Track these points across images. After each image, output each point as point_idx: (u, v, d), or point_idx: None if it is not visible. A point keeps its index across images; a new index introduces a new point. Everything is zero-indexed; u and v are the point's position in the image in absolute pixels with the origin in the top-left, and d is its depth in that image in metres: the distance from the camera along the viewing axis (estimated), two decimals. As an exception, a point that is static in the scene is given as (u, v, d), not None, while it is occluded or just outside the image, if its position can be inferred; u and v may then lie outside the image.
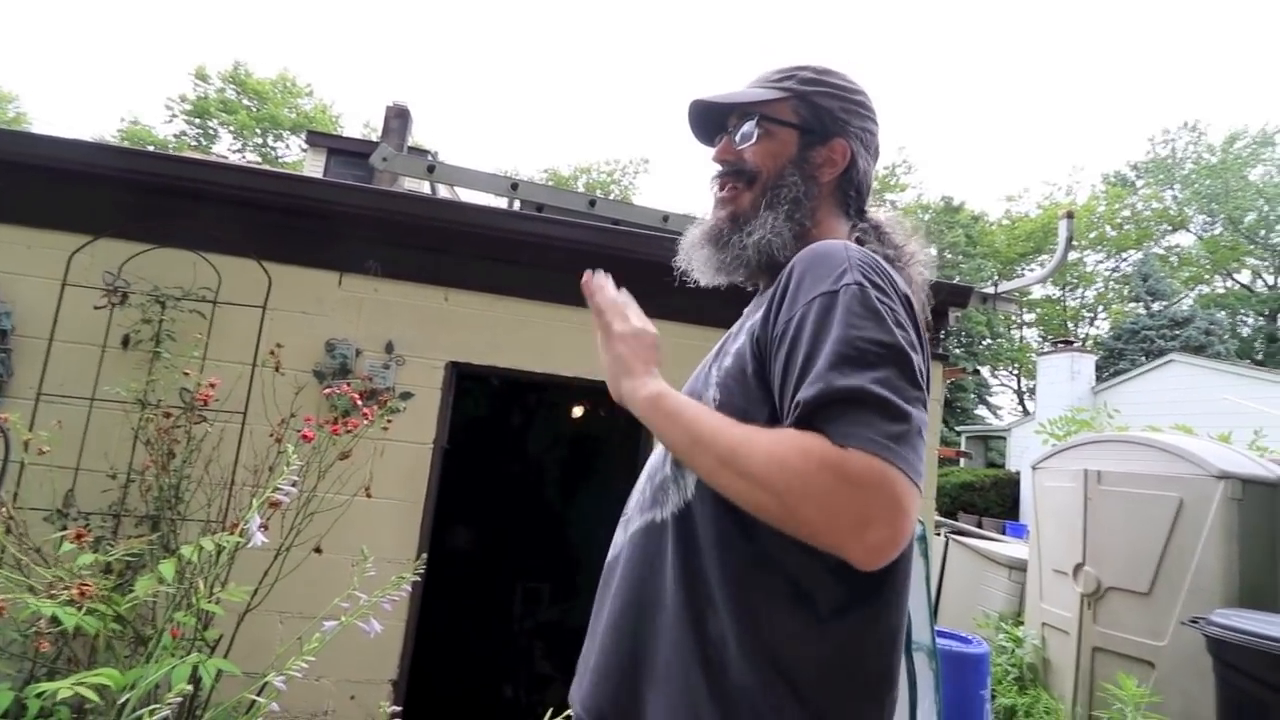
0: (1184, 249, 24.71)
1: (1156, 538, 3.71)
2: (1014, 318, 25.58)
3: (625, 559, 0.94)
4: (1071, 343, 14.27)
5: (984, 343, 26.23)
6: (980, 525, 10.35)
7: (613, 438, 4.97)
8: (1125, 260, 25.32)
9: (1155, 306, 20.17)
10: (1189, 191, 24.08)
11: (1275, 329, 21.90)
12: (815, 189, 1.00)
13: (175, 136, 25.87)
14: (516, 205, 3.36)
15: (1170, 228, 24.87)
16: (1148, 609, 3.70)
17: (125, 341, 2.45)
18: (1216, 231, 23.50)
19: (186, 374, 2.29)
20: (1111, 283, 25.90)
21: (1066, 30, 44.51)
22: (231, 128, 26.49)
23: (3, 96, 26.69)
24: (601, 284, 1.03)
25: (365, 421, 2.15)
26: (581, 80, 54.18)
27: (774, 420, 0.81)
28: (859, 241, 0.99)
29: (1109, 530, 4.01)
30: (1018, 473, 13.88)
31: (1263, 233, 21.90)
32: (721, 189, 1.05)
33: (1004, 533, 9.05)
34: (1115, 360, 18.42)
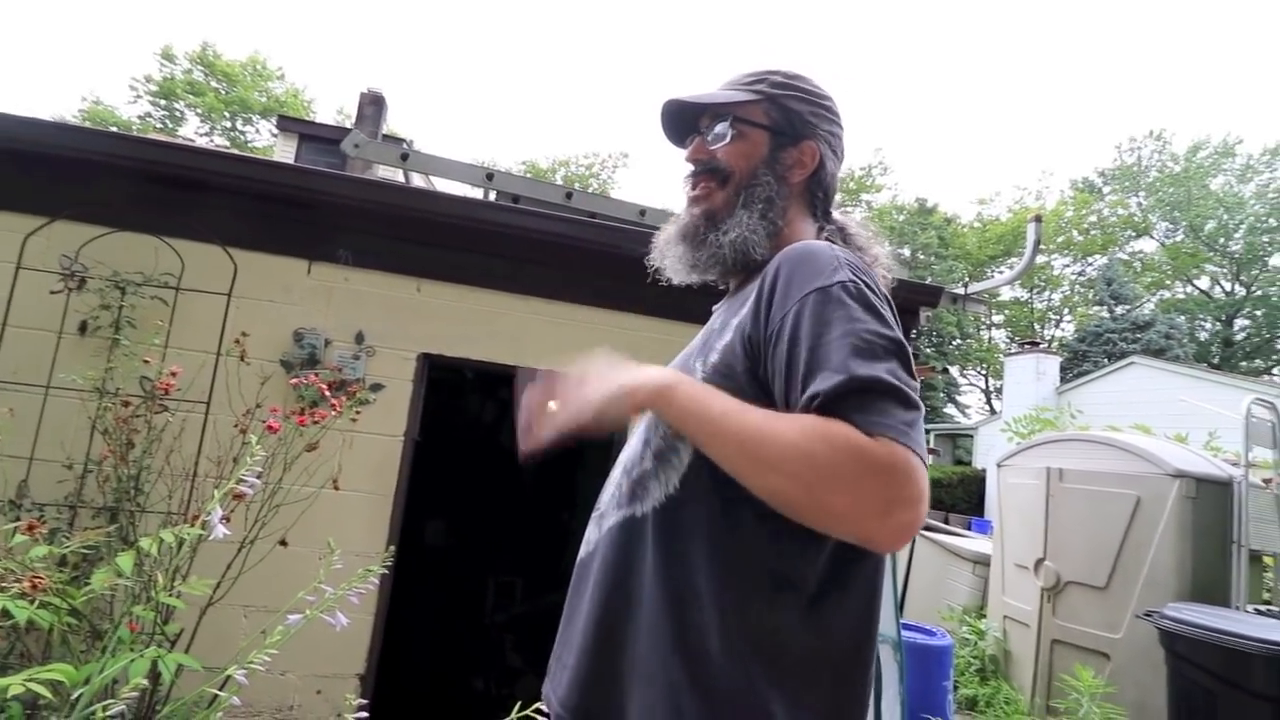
0: (1147, 255, 25.45)
1: (1114, 534, 3.83)
2: (983, 319, 26.11)
3: (601, 556, 0.93)
4: (1038, 344, 14.62)
5: (954, 343, 26.74)
6: (947, 521, 10.58)
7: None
8: (1091, 265, 26.00)
9: (1118, 310, 20.74)
10: (1153, 199, 24.79)
11: (1231, 334, 22.69)
12: (786, 189, 1.01)
13: (140, 118, 25.09)
14: (492, 196, 3.33)
15: (1134, 234, 25.59)
16: (1105, 603, 3.82)
17: (83, 328, 2.37)
18: (1178, 238, 24.25)
19: (147, 362, 2.23)
20: (1077, 286, 26.58)
21: (1040, 37, 45.44)
22: (199, 110, 25.76)
23: (-45, 72, 25.61)
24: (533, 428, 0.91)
25: (334, 413, 2.11)
26: (562, 73, 53.83)
27: None
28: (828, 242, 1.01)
29: (1069, 526, 4.12)
30: (984, 470, 14.20)
31: (1222, 240, 22.63)
32: (694, 188, 1.05)
33: (969, 528, 9.25)
34: (1079, 362, 18.91)
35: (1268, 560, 3.80)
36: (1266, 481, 3.84)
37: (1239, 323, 22.88)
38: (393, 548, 2.12)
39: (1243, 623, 2.82)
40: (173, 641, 1.84)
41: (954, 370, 26.71)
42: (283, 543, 2.25)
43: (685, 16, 52.99)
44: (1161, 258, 24.51)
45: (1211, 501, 3.65)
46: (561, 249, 2.77)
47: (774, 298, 0.83)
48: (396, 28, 51.25)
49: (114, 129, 18.61)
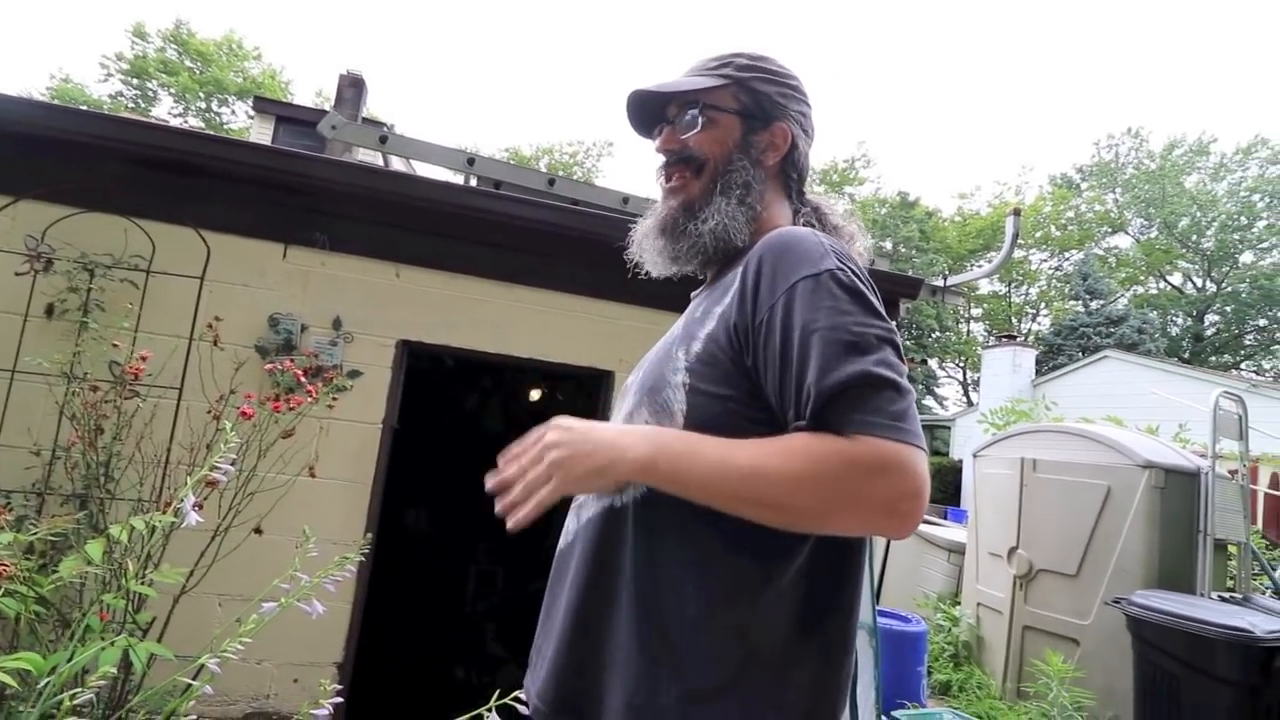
0: (1122, 250, 25.88)
1: (1085, 523, 3.91)
2: (961, 312, 26.42)
3: (580, 546, 0.92)
4: (1014, 337, 14.85)
5: (933, 335, 27.03)
6: (924, 511, 10.71)
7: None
8: (1067, 260, 26.40)
9: (1093, 305, 21.08)
10: (1129, 195, 25.19)
11: (1202, 329, 23.19)
12: (761, 173, 1.01)
13: (111, 97, 24.38)
14: (474, 181, 3.29)
15: (1110, 230, 26.00)
16: (1075, 590, 3.90)
17: (50, 310, 2.31)
18: (1152, 235, 24.67)
19: (116, 346, 2.17)
20: (1054, 281, 26.99)
21: (1021, 33, 45.83)
22: (173, 90, 25.06)
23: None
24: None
25: (310, 399, 2.08)
26: (548, 60, 53.24)
27: (752, 398, 0.81)
28: (805, 224, 1.01)
29: (1042, 516, 4.20)
30: (961, 461, 14.41)
31: (1194, 237, 23.08)
32: (669, 179, 1.04)
33: (945, 518, 9.41)
34: (1055, 355, 19.23)
35: (1232, 549, 3.91)
36: (1232, 473, 3.94)
37: (1209, 318, 23.40)
38: (370, 535, 2.10)
39: (1207, 609, 2.90)
40: (145, 630, 1.81)
41: (932, 363, 27.03)
42: (258, 530, 2.22)
43: (670, 6, 52.66)
44: (1136, 254, 24.94)
45: (1179, 491, 3.74)
46: (544, 236, 2.75)
47: (760, 285, 0.82)
48: (378, 9, 50.32)
49: (84, 107, 18.08)
